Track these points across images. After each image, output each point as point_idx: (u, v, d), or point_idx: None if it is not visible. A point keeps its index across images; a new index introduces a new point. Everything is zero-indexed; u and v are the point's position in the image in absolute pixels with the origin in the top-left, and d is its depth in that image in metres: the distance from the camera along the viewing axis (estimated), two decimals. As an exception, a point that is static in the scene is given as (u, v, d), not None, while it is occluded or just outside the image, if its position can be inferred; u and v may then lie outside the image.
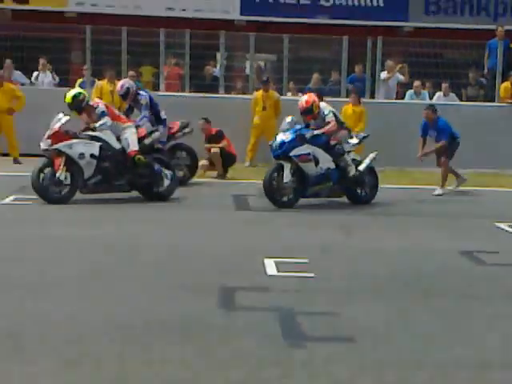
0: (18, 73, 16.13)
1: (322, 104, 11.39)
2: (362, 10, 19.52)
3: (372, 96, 16.42)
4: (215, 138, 13.69)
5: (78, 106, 10.98)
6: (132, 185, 11.11)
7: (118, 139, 11.01)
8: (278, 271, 7.32)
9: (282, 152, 10.79)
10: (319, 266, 7.52)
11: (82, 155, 10.61)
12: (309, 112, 11.12)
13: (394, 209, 11.31)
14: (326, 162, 11.00)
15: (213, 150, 13.52)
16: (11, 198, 10.86)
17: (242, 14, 19.12)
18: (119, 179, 10.97)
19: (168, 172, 11.15)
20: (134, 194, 11.15)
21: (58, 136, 10.61)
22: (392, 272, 7.48)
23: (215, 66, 17.76)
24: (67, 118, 10.83)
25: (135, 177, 11.00)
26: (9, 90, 14.45)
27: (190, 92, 16.12)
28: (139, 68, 16.90)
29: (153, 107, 12.82)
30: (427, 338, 5.61)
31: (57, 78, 16.64)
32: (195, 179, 13.11)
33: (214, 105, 15.14)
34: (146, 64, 17.41)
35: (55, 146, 10.55)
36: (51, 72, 16.61)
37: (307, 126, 11.12)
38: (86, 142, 10.75)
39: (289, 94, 16.79)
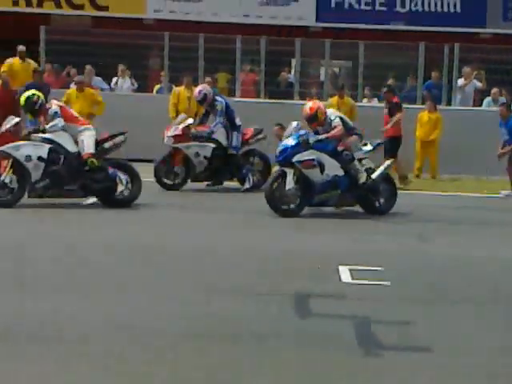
0: (98, 78, 16.50)
1: (330, 110, 11.01)
2: (438, 16, 19.32)
3: (449, 103, 16.25)
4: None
5: (32, 108, 10.58)
6: (86, 190, 10.65)
7: (77, 142, 10.57)
8: (353, 278, 7.32)
9: (284, 158, 10.40)
10: (395, 274, 7.49)
11: (28, 157, 10.20)
12: (314, 119, 10.68)
13: (469, 216, 11.15)
14: (333, 168, 10.52)
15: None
16: (93, 199, 11.09)
17: (317, 20, 19.14)
18: (70, 184, 10.51)
19: (124, 177, 10.64)
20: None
21: (5, 138, 10.38)
22: (468, 280, 7.42)
23: (290, 73, 17.86)
24: (17, 119, 10.66)
25: (88, 181, 10.54)
26: (89, 95, 14.80)
27: (265, 98, 16.24)
28: (215, 74, 17.11)
29: (228, 113, 12.98)
30: (507, 349, 5.53)
31: (135, 84, 16.99)
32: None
33: (288, 111, 15.18)
34: (222, 70, 17.61)
35: (1, 148, 10.26)
36: (130, 78, 16.97)
37: (316, 134, 10.71)
38: (36, 144, 10.34)
39: (364, 100, 16.76)
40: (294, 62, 17.43)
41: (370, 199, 10.79)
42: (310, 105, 10.97)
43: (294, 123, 10.85)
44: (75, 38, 15.94)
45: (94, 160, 10.44)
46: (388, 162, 11.17)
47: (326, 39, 16.51)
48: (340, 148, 10.65)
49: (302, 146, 10.40)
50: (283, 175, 10.38)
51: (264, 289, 6.90)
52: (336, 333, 5.76)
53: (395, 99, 14.36)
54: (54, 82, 16.09)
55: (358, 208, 10.91)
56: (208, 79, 15.54)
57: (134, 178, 10.75)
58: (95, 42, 16.24)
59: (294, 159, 10.34)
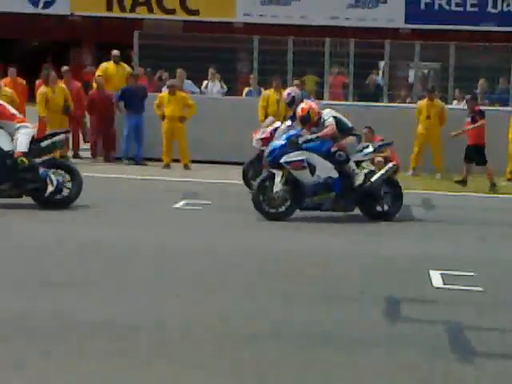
0: (189, 82, 16.78)
1: (326, 110, 10.57)
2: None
3: (542, 105, 15.90)
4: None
5: None
6: (20, 190, 10.27)
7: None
8: (445, 283, 7.29)
9: (272, 159, 10.06)
10: (487, 280, 7.42)
11: None
12: (307, 120, 10.31)
13: None
14: (326, 170, 10.10)
15: (376, 159, 13.56)
16: (182, 202, 11.33)
17: (406, 22, 19.02)
18: (3, 183, 10.17)
19: (55, 178, 10.18)
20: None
21: None
22: None
23: (378, 75, 17.79)
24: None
25: (19, 181, 10.17)
26: (181, 98, 15.09)
27: (354, 101, 16.24)
28: (303, 77, 17.18)
29: (316, 116, 13.01)
30: None
31: (225, 87, 17.21)
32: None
33: (377, 113, 15.17)
34: (310, 73, 17.68)
35: None
36: (220, 81, 17.20)
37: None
38: None
39: (454, 102, 16.56)
40: (381, 64, 17.34)
41: (369, 203, 10.32)
42: (302, 106, 10.63)
43: (288, 122, 10.51)
44: (167, 43, 16.27)
45: (24, 159, 10.09)
46: (390, 165, 10.64)
47: (415, 41, 16.38)
48: (334, 149, 10.22)
49: (290, 146, 10.06)
50: (272, 177, 10.05)
51: (352, 292, 6.94)
52: (428, 338, 5.76)
53: (478, 108, 14.15)
54: (147, 85, 16.46)
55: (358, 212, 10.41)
56: (296, 82, 15.62)
57: (75, 178, 10.40)
58: (186, 45, 16.54)
59: (282, 160, 9.99)
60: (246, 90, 17.14)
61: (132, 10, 19.55)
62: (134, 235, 9.00)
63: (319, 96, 16.39)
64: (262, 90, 15.96)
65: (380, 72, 17.70)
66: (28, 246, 8.34)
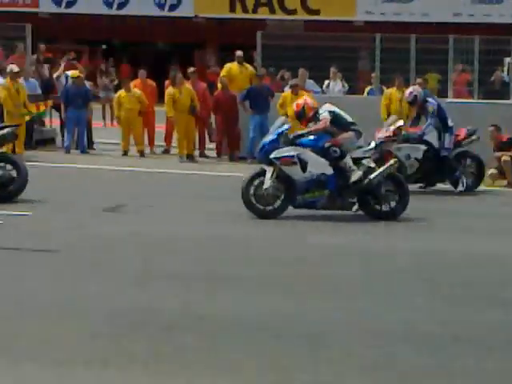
0: (311, 81, 16.91)
1: (324, 106, 10.28)
2: None
3: None
4: (506, 145, 13.49)
5: None
6: None
7: None
8: None
9: (263, 154, 9.86)
10: None
11: None
12: (302, 116, 10.16)
13: None
14: (319, 166, 9.76)
15: (503, 158, 13.33)
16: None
17: (533, 16, 18.55)
18: None
19: None
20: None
21: None
22: None
23: (503, 71, 17.42)
24: None
25: None
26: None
27: (479, 98, 15.97)
28: (425, 75, 17.03)
29: (440, 114, 12.91)
30: None
31: (346, 86, 17.27)
32: (483, 188, 12.98)
33: (504, 111, 14.87)
34: (431, 71, 17.50)
35: None
36: (341, 80, 17.27)
37: None
38: None
39: None
40: (507, 60, 16.96)
41: (368, 202, 9.92)
42: (297, 101, 10.52)
43: (282, 118, 10.40)
44: (288, 42, 16.47)
45: None
46: (391, 162, 10.19)
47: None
48: (327, 144, 9.91)
49: (281, 141, 9.84)
50: (263, 173, 9.83)
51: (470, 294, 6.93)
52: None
53: None
54: (270, 85, 16.71)
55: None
56: (419, 80, 15.51)
57: (20, 173, 10.34)
58: (307, 45, 16.70)
59: (272, 155, 9.76)
60: (368, 88, 17.14)
61: (254, 11, 19.88)
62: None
63: (443, 94, 16.22)
64: (384, 88, 15.93)
65: (505, 69, 17.31)
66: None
